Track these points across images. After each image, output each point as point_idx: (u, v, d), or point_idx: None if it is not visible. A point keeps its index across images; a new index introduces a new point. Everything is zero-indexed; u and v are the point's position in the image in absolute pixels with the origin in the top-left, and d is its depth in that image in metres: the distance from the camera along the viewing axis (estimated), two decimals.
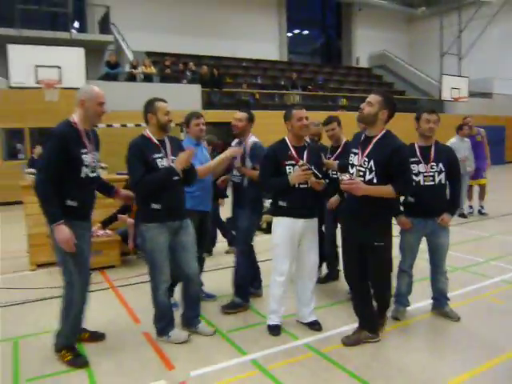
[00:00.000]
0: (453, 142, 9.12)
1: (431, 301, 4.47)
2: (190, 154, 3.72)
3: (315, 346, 3.79)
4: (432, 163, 4.11)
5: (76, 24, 19.77)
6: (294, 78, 21.20)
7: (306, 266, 4.08)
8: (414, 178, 4.10)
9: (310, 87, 21.44)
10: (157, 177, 3.65)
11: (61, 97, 11.47)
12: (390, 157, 3.43)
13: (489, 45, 24.67)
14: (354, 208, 3.63)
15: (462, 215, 9.26)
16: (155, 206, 3.69)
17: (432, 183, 4.11)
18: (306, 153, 4.00)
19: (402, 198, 4.22)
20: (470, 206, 9.72)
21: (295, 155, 3.92)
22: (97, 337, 3.98)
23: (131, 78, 15.62)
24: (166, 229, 3.74)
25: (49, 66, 10.97)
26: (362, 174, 3.56)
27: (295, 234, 3.94)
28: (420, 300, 4.64)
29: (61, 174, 3.36)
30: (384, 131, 3.63)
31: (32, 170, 8.02)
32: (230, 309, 4.51)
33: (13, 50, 10.94)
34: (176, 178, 3.71)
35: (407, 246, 4.25)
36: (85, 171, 3.50)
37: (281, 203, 3.95)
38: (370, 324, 3.82)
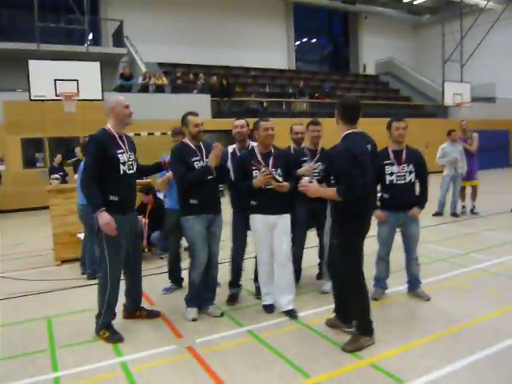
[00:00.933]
0: (444, 146, 9.79)
1: (407, 285, 5.11)
2: (218, 150, 4.40)
3: (303, 320, 4.45)
4: (403, 164, 4.76)
5: (90, 36, 20.66)
6: (301, 86, 21.87)
7: (278, 256, 4.52)
8: (388, 177, 4.77)
9: (317, 95, 22.08)
10: (195, 174, 4.37)
11: (78, 108, 12.29)
12: (331, 162, 3.91)
13: (491, 51, 25.17)
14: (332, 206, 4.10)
15: (454, 214, 9.85)
16: (192, 201, 4.39)
17: (403, 182, 4.76)
18: (271, 159, 4.50)
19: (379, 195, 4.92)
20: (463, 206, 10.27)
21: (258, 163, 4.43)
22: (154, 314, 4.66)
23: (144, 88, 16.43)
24: (201, 220, 4.42)
25: (67, 80, 11.76)
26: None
27: (268, 229, 4.47)
28: (398, 285, 5.27)
29: (102, 171, 4.03)
30: (344, 133, 3.84)
31: (57, 176, 8.76)
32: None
33: (33, 65, 11.74)
34: (210, 176, 4.41)
35: (383, 235, 4.91)
36: (123, 169, 4.16)
37: (252, 202, 4.49)
38: (364, 326, 3.92)
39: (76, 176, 7.14)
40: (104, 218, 3.95)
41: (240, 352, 3.83)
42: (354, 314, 3.96)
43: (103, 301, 4.17)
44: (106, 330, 4.18)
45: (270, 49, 25.35)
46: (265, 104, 19.55)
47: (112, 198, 4.09)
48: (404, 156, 4.79)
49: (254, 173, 4.40)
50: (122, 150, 4.18)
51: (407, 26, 30.50)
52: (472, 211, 10.16)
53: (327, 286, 5.11)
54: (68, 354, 3.89)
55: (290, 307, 4.55)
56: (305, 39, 29.06)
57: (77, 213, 6.29)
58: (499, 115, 24.16)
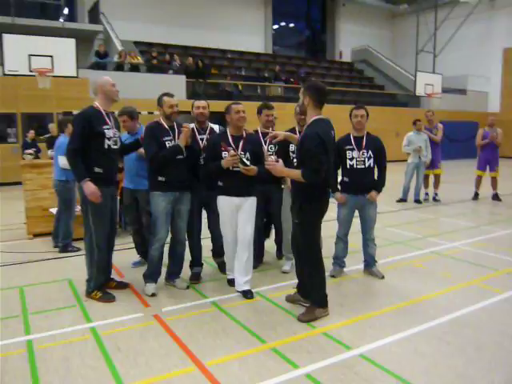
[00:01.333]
0: (409, 134, 10.19)
1: (363, 264, 5.46)
2: (187, 131, 4.60)
3: (263, 294, 4.75)
4: (363, 150, 5.06)
5: (66, 11, 20.39)
6: (276, 70, 22.05)
7: (241, 237, 4.64)
8: (349, 162, 5.07)
9: (292, 79, 22.30)
10: (165, 153, 4.56)
11: (52, 84, 12.27)
12: (301, 144, 4.06)
13: (464, 43, 25.78)
14: (292, 187, 4.37)
15: (417, 201, 10.28)
16: (160, 178, 4.60)
17: (363, 166, 5.07)
18: (241, 142, 4.62)
19: (339, 179, 5.24)
20: (426, 193, 10.71)
21: (227, 145, 4.53)
22: (122, 285, 4.90)
23: (119, 67, 16.39)
24: (166, 197, 4.61)
25: (42, 56, 11.73)
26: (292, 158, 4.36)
27: (232, 209, 4.60)
28: (356, 265, 5.61)
29: (88, 145, 4.29)
30: (313, 118, 4.04)
31: (30, 151, 8.83)
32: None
33: (7, 40, 11.68)
34: (180, 156, 4.59)
35: (342, 217, 5.23)
36: (107, 143, 4.42)
37: (219, 183, 4.63)
38: (320, 298, 4.22)
39: (49, 152, 7.25)
40: (89, 186, 4.24)
41: (203, 320, 4.11)
42: (310, 288, 4.26)
43: (92, 266, 4.50)
44: (97, 291, 4.55)
45: (247, 32, 25.41)
46: (240, 87, 19.69)
47: (97, 169, 4.37)
48: (364, 142, 5.08)
49: (224, 154, 4.51)
50: (108, 126, 4.45)
51: (385, 15, 30.83)
52: (434, 199, 10.59)
53: (287, 265, 5.48)
54: (40, 320, 4.11)
55: (247, 287, 4.71)
56: (283, 23, 29.15)
57: (52, 188, 6.46)
58: (470, 107, 24.78)
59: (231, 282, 4.94)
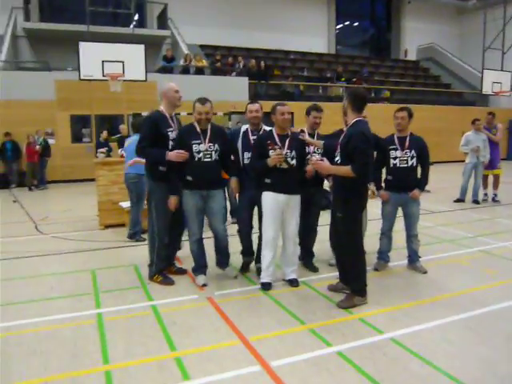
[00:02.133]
0: (467, 134, 10.15)
1: (407, 259, 5.69)
2: (180, 156, 4.73)
3: (308, 283, 5.12)
4: (406, 150, 5.30)
5: (136, 17, 21.48)
6: (339, 70, 22.15)
7: (287, 232, 4.91)
8: (392, 161, 5.33)
9: (354, 79, 22.34)
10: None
11: (123, 87, 13.15)
12: (348, 142, 4.27)
13: None
14: (334, 184, 4.67)
15: (475, 201, 10.20)
16: (188, 177, 4.83)
17: (406, 165, 5.31)
18: (287, 141, 4.83)
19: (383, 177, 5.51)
20: (485, 194, 10.60)
21: (274, 143, 4.75)
22: (181, 272, 5.44)
23: (185, 70, 17.20)
24: (194, 195, 4.88)
25: (114, 61, 12.59)
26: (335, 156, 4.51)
27: (278, 206, 4.77)
28: (401, 260, 5.84)
29: (154, 145, 4.80)
30: (354, 120, 4.38)
31: (103, 150, 9.64)
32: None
33: (83, 47, 12.61)
34: (161, 168, 4.84)
35: (386, 213, 5.49)
36: (171, 144, 4.90)
37: (266, 180, 4.77)
38: (359, 287, 4.50)
39: (120, 151, 7.92)
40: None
41: (250, 304, 4.56)
42: (351, 276, 4.57)
43: (153, 253, 5.06)
44: (158, 275, 5.09)
45: (310, 32, 25.60)
46: (301, 87, 19.99)
47: (161, 168, 4.87)
48: (407, 142, 5.32)
49: (271, 152, 4.71)
50: (171, 129, 4.94)
51: (451, 12, 30.00)
52: (494, 199, 10.46)
53: (334, 259, 5.66)
54: (108, 298, 4.72)
55: (294, 276, 5.02)
56: (346, 23, 29.06)
57: (123, 183, 7.11)
58: None
59: (266, 286, 4.92)
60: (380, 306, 4.47)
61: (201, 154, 4.80)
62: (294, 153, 4.83)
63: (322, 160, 4.47)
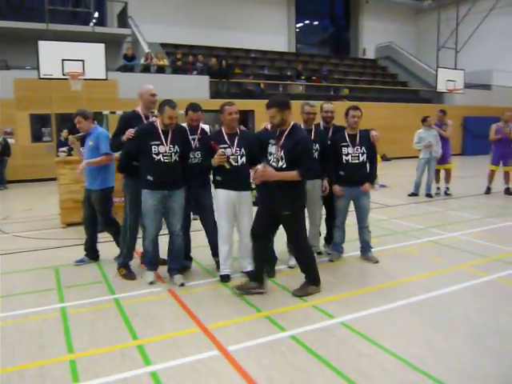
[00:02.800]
0: (419, 131, 10.59)
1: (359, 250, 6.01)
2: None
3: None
4: (357, 146, 5.61)
5: (96, 15, 21.31)
6: (299, 68, 22.53)
7: (241, 227, 5.11)
8: (344, 157, 5.61)
9: (314, 78, 22.77)
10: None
11: (83, 86, 13.11)
12: (296, 147, 4.40)
13: (487, 38, 25.69)
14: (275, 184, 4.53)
15: (429, 195, 10.67)
16: (149, 177, 4.85)
17: (357, 161, 5.61)
18: (236, 139, 4.97)
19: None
20: (438, 188, 11.09)
21: (216, 143, 4.87)
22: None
23: (146, 69, 17.21)
24: (154, 196, 4.89)
25: (74, 60, 12.55)
26: (275, 161, 4.54)
27: (230, 202, 4.97)
28: (354, 251, 6.16)
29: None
30: (291, 125, 4.56)
31: (64, 149, 9.66)
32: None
33: (42, 46, 12.51)
34: (134, 163, 5.00)
35: (340, 207, 5.78)
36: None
37: (217, 178, 5.00)
38: (312, 277, 4.79)
39: (82, 149, 7.94)
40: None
41: (210, 295, 4.78)
42: (304, 269, 4.84)
43: (124, 246, 5.28)
44: (123, 268, 5.29)
45: (270, 31, 25.92)
46: (262, 86, 20.26)
47: (135, 163, 4.99)
48: (358, 139, 5.62)
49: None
50: None
51: (409, 11, 30.89)
52: (446, 193, 10.96)
53: (293, 260, 5.51)
54: (72, 292, 4.86)
55: (251, 268, 5.11)
56: (306, 22, 29.52)
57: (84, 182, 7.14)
58: (495, 102, 24.68)
59: (225, 278, 5.13)
60: (332, 294, 4.75)
61: (160, 156, 4.80)
62: (243, 151, 4.97)
63: (264, 170, 4.50)
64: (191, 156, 5.20)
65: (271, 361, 3.42)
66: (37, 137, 15.46)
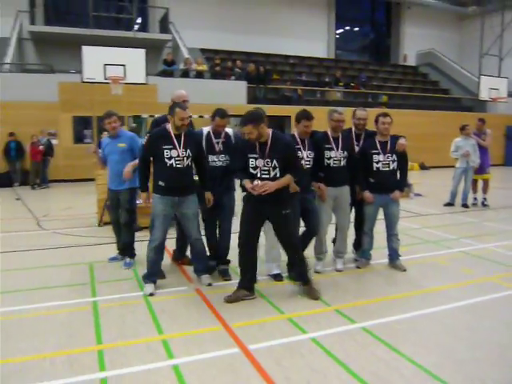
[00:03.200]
0: (457, 140, 10.44)
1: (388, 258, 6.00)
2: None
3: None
4: (388, 154, 5.62)
5: (139, 20, 21.91)
6: (337, 75, 22.48)
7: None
8: (375, 165, 5.62)
9: (352, 84, 22.67)
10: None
11: (124, 90, 13.51)
12: (285, 152, 4.50)
13: None
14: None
15: (465, 205, 10.48)
16: (160, 182, 4.82)
17: (387, 169, 5.62)
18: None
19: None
20: (474, 198, 10.89)
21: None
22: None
23: (185, 74, 17.57)
24: (165, 201, 4.85)
25: (115, 65, 12.96)
26: (266, 173, 4.53)
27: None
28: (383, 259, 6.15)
29: None
30: (270, 135, 4.54)
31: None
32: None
33: (86, 50, 12.99)
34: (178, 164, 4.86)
35: (368, 213, 5.79)
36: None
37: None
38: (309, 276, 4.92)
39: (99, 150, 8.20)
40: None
41: None
42: (303, 269, 4.87)
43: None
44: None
45: (310, 37, 25.95)
46: (299, 92, 20.32)
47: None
48: (389, 147, 5.63)
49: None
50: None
51: (451, 18, 30.33)
52: (483, 203, 10.74)
53: (319, 265, 5.70)
54: (104, 288, 5.08)
55: (278, 271, 5.37)
56: (346, 28, 29.43)
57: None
58: None
59: (278, 277, 5.34)
60: (356, 300, 4.79)
61: (172, 160, 4.75)
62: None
63: (265, 183, 4.45)
64: (215, 159, 5.23)
65: (290, 361, 3.49)
66: (79, 138, 16.01)
